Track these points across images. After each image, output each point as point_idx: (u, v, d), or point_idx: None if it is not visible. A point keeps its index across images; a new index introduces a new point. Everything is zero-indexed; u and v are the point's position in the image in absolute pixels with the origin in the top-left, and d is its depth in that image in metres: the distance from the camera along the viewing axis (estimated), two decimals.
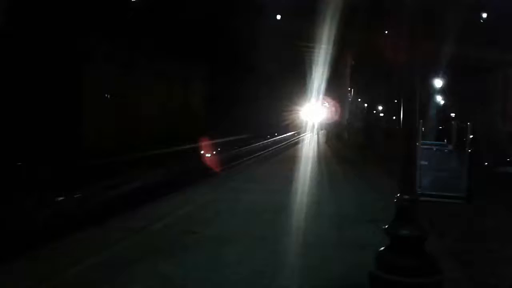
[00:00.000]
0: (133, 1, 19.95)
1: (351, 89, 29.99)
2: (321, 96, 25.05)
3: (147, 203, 7.31)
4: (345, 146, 22.38)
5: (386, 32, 20.42)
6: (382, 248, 3.72)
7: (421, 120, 8.41)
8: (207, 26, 21.50)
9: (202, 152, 18.37)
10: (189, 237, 5.51)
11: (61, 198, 7.89)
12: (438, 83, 26.74)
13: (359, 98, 37.41)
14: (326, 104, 26.62)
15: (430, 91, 24.75)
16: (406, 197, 3.63)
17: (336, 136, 25.91)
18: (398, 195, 3.67)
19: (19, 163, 11.29)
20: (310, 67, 22.40)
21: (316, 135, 23.72)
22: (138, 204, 7.21)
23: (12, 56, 12.53)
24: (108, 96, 17.69)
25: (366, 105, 41.54)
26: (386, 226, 3.71)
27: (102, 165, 12.45)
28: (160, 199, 7.63)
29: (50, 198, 7.81)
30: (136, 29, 17.55)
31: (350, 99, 30.27)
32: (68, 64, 14.71)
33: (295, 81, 26.38)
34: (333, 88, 26.64)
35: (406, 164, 3.70)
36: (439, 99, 29.59)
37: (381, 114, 43.35)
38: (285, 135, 28.85)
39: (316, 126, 25.16)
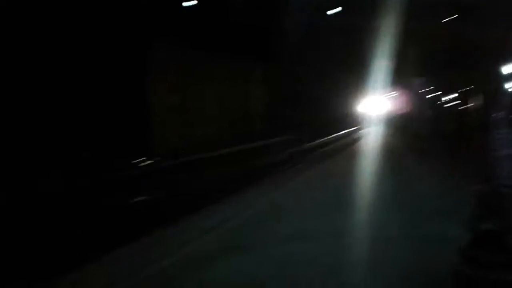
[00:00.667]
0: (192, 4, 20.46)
1: (422, 78, 28.91)
2: (387, 87, 24.33)
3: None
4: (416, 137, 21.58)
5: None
6: (465, 243, 3.58)
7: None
8: (265, 25, 21.61)
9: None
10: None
11: (141, 198, 8.24)
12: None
13: (432, 86, 35.95)
14: (394, 94, 25.82)
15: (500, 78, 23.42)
16: (488, 188, 3.49)
17: (406, 127, 24.87)
18: (480, 186, 3.53)
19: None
20: (374, 58, 21.84)
21: (382, 128, 22.98)
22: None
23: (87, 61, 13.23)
24: (174, 97, 18.23)
25: (439, 93, 39.93)
26: (468, 220, 3.57)
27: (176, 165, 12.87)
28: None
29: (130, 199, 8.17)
30: (197, 30, 17.95)
31: (422, 89, 29.11)
32: (135, 66, 15.33)
33: (356, 74, 25.56)
34: (402, 77, 25.93)
35: (486, 153, 3.54)
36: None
37: (455, 102, 41.09)
38: (345, 131, 27.44)
39: (381, 119, 24.38)
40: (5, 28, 10.72)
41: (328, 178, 10.16)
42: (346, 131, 25.95)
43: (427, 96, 30.29)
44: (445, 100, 37.28)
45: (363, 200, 6.90)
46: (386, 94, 25.06)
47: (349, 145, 18.83)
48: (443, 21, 21.25)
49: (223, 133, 21.93)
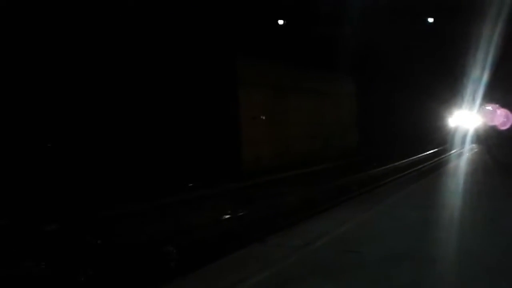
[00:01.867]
0: (280, 24, 20.67)
1: None
2: (482, 101, 22.42)
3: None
4: None
5: None
6: None
7: None
8: (352, 38, 21.17)
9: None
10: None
11: (227, 216, 8.36)
12: None
13: None
14: (490, 109, 23.65)
15: None
16: None
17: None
18: None
19: (190, 184, 12.36)
20: (469, 70, 20.19)
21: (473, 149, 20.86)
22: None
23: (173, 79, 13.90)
24: (263, 117, 18.42)
25: None
26: None
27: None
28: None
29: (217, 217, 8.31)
30: (284, 48, 18.08)
31: None
32: (226, 87, 15.79)
33: (447, 88, 23.77)
34: (503, 91, 23.83)
35: None
36: None
37: None
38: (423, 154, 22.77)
39: (473, 137, 22.14)
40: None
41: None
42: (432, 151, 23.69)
43: None
44: None
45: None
46: (482, 109, 22.95)
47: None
48: None
49: (317, 147, 21.71)
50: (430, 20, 22.67)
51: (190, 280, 4.87)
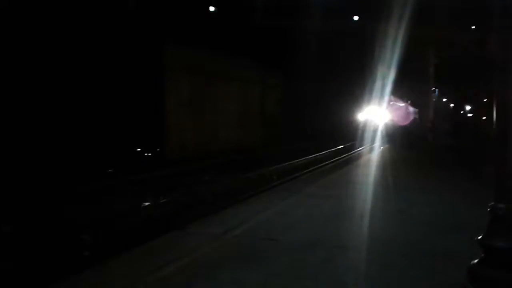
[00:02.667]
0: (211, 11, 20.56)
1: (435, 89, 27.97)
2: (392, 97, 23.10)
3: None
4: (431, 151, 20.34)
5: (473, 27, 19.10)
6: (475, 261, 3.46)
7: None
8: (279, 32, 21.53)
9: None
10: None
11: (147, 204, 8.29)
12: None
13: (444, 98, 35.16)
14: (400, 104, 23.98)
15: None
16: (502, 205, 3.35)
17: (416, 139, 22.91)
18: (493, 202, 3.40)
19: (110, 170, 12.05)
20: (382, 68, 21.08)
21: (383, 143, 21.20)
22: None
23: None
24: (188, 104, 18.31)
25: (452, 105, 39.24)
26: (479, 237, 3.45)
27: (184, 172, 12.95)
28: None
29: (138, 204, 8.23)
30: (215, 36, 18.05)
31: (434, 99, 28.17)
32: (152, 73, 15.48)
33: (362, 85, 23.77)
34: (413, 88, 25.21)
35: (501, 168, 3.41)
36: None
37: (469, 115, 40.50)
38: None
39: (384, 131, 22.35)
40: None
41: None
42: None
43: (442, 108, 28.95)
44: (459, 112, 36.07)
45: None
46: (392, 104, 23.46)
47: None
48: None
49: (242, 138, 21.93)
50: (355, 18, 23.60)
51: (107, 267, 4.83)
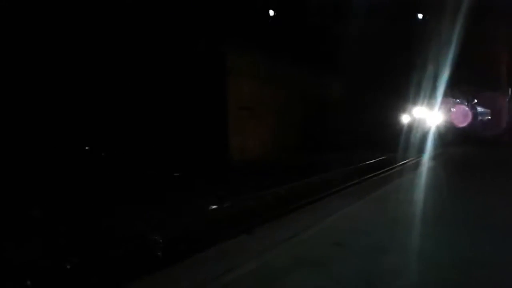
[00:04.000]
0: (269, 17, 20.70)
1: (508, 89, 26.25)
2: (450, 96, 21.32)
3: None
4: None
5: None
6: None
7: None
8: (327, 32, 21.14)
9: None
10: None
11: (214, 207, 8.45)
12: None
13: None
14: (459, 103, 22.04)
15: None
16: None
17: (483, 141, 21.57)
18: None
19: (176, 174, 12.40)
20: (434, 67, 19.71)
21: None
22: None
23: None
24: (248, 108, 18.50)
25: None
26: None
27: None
28: None
29: (206, 206, 8.41)
30: (274, 42, 18.16)
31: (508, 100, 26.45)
32: (215, 78, 15.81)
33: (410, 84, 21.12)
34: (482, 87, 23.94)
35: None
36: None
37: None
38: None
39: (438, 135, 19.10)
40: None
41: None
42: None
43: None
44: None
45: None
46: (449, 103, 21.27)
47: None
48: None
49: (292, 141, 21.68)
50: (420, 16, 22.82)
51: (180, 268, 4.99)
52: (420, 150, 17.05)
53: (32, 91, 10.97)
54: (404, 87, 20.63)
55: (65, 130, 11.54)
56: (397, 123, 22.17)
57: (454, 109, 21.90)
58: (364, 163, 14.60)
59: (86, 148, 11.94)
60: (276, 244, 5.62)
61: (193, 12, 14.52)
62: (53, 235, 6.68)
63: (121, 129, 12.68)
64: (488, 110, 24.64)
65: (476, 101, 23.73)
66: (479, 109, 23.63)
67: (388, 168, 13.60)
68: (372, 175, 12.38)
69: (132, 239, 6.54)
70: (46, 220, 7.34)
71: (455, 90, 22.10)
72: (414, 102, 21.17)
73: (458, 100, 23.05)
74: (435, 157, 16.18)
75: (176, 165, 13.00)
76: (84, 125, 11.78)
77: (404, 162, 15.16)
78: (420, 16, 22.24)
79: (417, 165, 14.24)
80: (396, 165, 14.42)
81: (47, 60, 11.05)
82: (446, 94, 20.73)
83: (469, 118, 22.21)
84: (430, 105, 20.46)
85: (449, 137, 20.54)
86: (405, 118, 21.84)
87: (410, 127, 20.72)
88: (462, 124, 21.63)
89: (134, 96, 13.19)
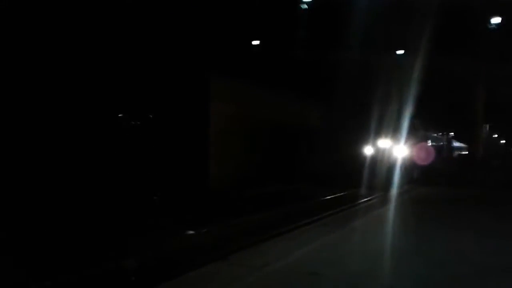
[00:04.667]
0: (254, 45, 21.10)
1: (484, 125, 26.72)
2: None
3: None
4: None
5: None
6: None
7: None
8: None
9: None
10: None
11: (190, 232, 8.49)
12: None
13: (495, 134, 33.82)
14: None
15: None
16: None
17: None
18: None
19: (155, 197, 12.40)
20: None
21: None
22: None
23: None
24: (226, 133, 18.50)
25: (504, 141, 37.94)
26: None
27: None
28: None
29: (181, 232, 8.44)
30: (256, 68, 18.50)
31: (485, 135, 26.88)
32: (199, 103, 15.98)
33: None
34: (458, 122, 24.44)
35: None
36: None
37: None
38: None
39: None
40: None
41: None
42: None
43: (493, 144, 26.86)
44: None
45: None
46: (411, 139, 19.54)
47: None
48: None
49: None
50: (398, 52, 23.41)
51: None
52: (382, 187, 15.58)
53: None
54: (375, 118, 19.04)
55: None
56: (361, 155, 19.69)
57: (419, 144, 20.56)
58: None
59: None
60: None
61: (179, 38, 14.80)
62: None
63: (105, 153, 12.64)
64: (465, 145, 25.09)
65: (452, 134, 24.12)
66: (456, 143, 24.06)
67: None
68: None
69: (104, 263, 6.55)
70: None
71: (428, 123, 21.69)
72: (381, 134, 19.20)
73: (434, 135, 23.21)
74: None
75: (157, 188, 13.01)
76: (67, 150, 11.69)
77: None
78: (400, 52, 22.88)
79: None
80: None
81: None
82: (415, 127, 19.91)
83: (432, 156, 20.84)
84: (397, 137, 18.74)
85: (415, 173, 19.35)
86: (368, 150, 19.39)
87: (375, 160, 18.62)
88: (424, 161, 19.92)
89: (117, 119, 13.26)
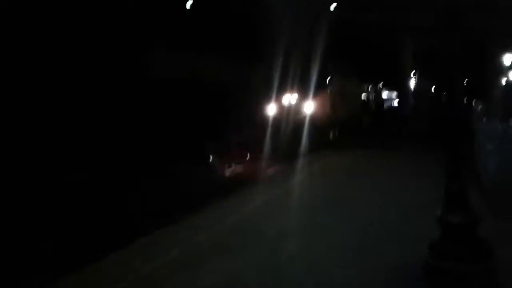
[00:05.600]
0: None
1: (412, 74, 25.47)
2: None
3: None
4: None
5: None
6: (435, 237, 3.73)
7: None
8: None
9: None
10: None
11: None
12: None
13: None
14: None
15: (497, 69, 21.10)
16: (455, 183, 3.62)
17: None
18: (447, 182, 3.67)
19: None
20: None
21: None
22: None
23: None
24: None
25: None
26: (437, 215, 3.72)
27: None
28: None
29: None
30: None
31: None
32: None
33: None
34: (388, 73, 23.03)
35: (452, 150, 3.67)
36: None
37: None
38: None
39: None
40: None
41: None
42: None
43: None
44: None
45: None
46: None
47: None
48: None
49: None
50: None
51: None
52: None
53: None
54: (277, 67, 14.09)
55: None
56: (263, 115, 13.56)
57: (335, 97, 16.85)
58: None
59: None
60: None
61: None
62: None
63: None
64: (395, 94, 24.53)
65: (381, 85, 22.80)
66: (387, 95, 23.51)
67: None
68: None
69: None
70: None
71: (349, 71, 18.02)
72: (285, 88, 14.61)
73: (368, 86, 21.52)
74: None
75: None
76: None
77: None
78: None
79: None
80: None
81: None
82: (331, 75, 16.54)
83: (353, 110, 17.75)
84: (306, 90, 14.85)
85: (330, 134, 16.06)
86: (271, 109, 13.55)
87: (279, 120, 13.77)
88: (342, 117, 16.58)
89: None
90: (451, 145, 3.65)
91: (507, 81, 18.84)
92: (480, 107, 13.37)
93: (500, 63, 20.00)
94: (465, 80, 17.81)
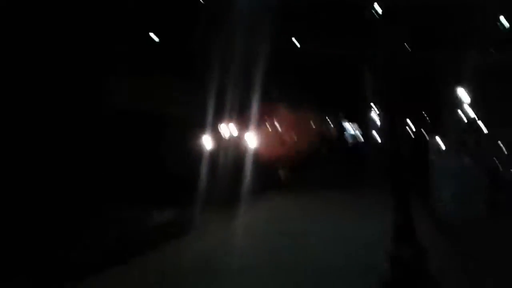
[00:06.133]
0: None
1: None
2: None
3: None
4: None
5: None
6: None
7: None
8: None
9: None
10: None
11: None
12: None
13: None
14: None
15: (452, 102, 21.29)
16: (400, 215, 3.65)
17: None
18: (394, 214, 3.70)
19: None
20: None
21: None
22: None
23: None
24: None
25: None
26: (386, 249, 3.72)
27: None
28: None
29: None
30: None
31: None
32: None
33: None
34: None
35: (394, 182, 3.71)
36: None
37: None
38: None
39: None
40: None
41: None
42: None
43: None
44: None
45: None
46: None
47: None
48: None
49: None
50: None
51: None
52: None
53: None
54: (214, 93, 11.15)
55: None
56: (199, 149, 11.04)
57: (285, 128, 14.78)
58: None
59: None
60: None
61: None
62: None
63: None
64: (358, 130, 21.55)
65: (341, 115, 20.15)
66: (349, 127, 23.09)
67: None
68: None
69: None
70: None
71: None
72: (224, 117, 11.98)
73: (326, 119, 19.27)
74: None
75: None
76: None
77: None
78: None
79: None
80: None
81: None
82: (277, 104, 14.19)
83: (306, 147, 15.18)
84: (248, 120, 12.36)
85: (281, 174, 13.61)
86: (207, 142, 11.00)
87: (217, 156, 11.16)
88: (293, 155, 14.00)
89: None
90: (394, 177, 3.70)
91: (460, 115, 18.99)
92: (435, 140, 13.57)
93: (454, 97, 20.35)
94: (423, 113, 17.79)
